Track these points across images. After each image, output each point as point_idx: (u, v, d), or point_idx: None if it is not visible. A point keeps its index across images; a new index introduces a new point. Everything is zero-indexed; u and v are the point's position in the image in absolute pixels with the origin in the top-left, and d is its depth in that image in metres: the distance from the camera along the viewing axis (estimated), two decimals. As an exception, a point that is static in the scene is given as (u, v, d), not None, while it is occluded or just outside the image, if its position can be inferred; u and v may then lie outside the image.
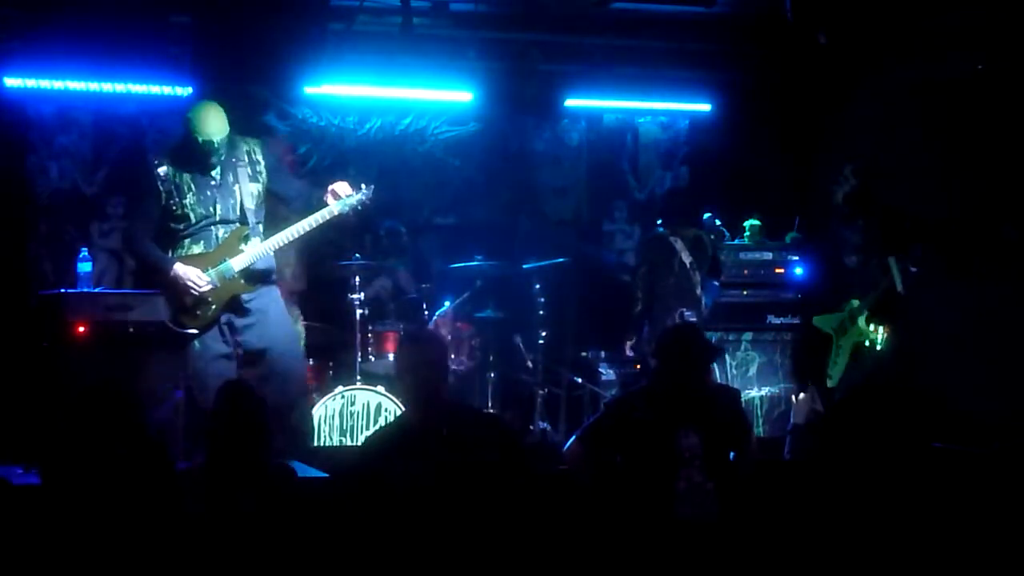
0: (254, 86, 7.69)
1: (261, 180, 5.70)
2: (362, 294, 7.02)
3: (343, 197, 5.66)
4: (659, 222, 7.28)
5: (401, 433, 4.13)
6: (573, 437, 4.75)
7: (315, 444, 6.60)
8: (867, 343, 6.52)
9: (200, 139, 5.49)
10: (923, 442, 5.25)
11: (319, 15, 6.98)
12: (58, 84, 7.37)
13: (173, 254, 5.58)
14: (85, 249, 6.94)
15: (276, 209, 5.84)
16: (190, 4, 7.16)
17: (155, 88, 7.54)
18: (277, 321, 5.77)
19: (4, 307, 7.27)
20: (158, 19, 7.31)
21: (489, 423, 4.63)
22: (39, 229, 7.75)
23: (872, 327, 6.45)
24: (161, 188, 5.56)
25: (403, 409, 4.59)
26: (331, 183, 5.76)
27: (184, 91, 7.45)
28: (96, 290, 6.83)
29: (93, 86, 7.44)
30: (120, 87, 7.49)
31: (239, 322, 5.66)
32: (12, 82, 7.30)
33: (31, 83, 7.33)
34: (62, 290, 6.53)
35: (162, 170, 5.58)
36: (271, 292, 5.77)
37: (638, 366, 7.44)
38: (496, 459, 4.02)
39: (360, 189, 5.71)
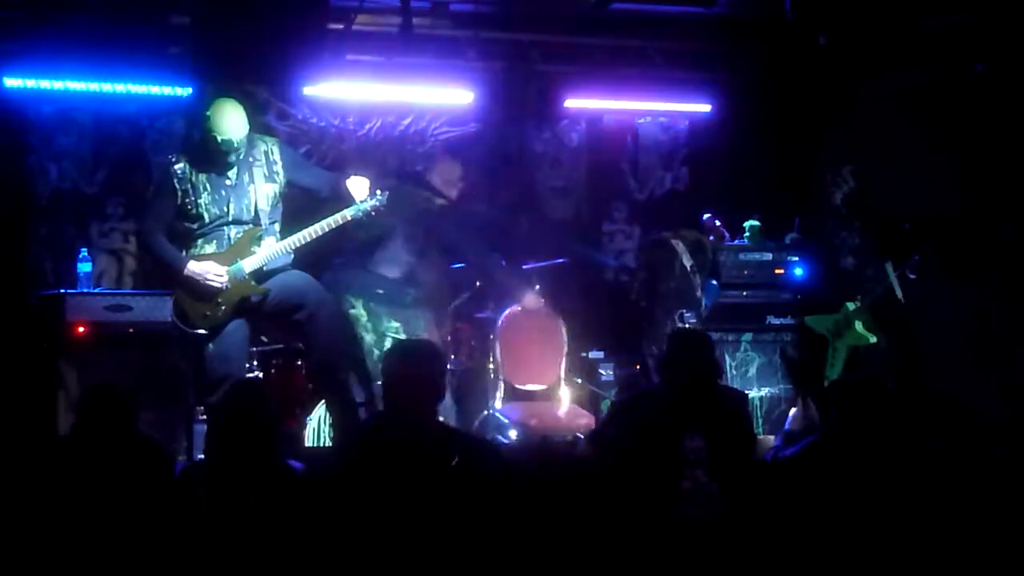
0: (254, 86, 7.69)
1: (278, 180, 5.69)
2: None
3: (357, 202, 5.67)
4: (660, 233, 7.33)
5: (374, 445, 3.69)
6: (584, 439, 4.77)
7: (312, 444, 6.62)
8: (864, 346, 6.51)
9: (219, 139, 5.48)
10: (924, 440, 5.27)
11: (319, 15, 6.97)
12: (58, 84, 7.36)
13: (187, 253, 5.58)
14: (85, 249, 6.95)
15: (305, 202, 5.84)
16: (190, 4, 7.16)
17: (155, 88, 7.54)
18: (298, 275, 5.75)
19: (4, 307, 7.26)
20: (158, 19, 7.31)
21: (486, 456, 3.89)
22: (39, 229, 7.74)
23: (869, 330, 6.45)
24: (177, 186, 5.56)
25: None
26: (353, 174, 5.78)
27: (184, 91, 7.46)
28: (96, 290, 6.84)
29: (93, 86, 7.43)
30: (120, 87, 7.48)
31: (262, 307, 5.64)
32: (12, 82, 7.30)
33: (31, 83, 7.33)
34: (62, 290, 6.54)
35: (179, 168, 5.57)
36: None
37: (638, 366, 7.44)
38: (479, 498, 3.58)
39: (375, 195, 5.71)
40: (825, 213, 6.92)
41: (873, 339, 6.43)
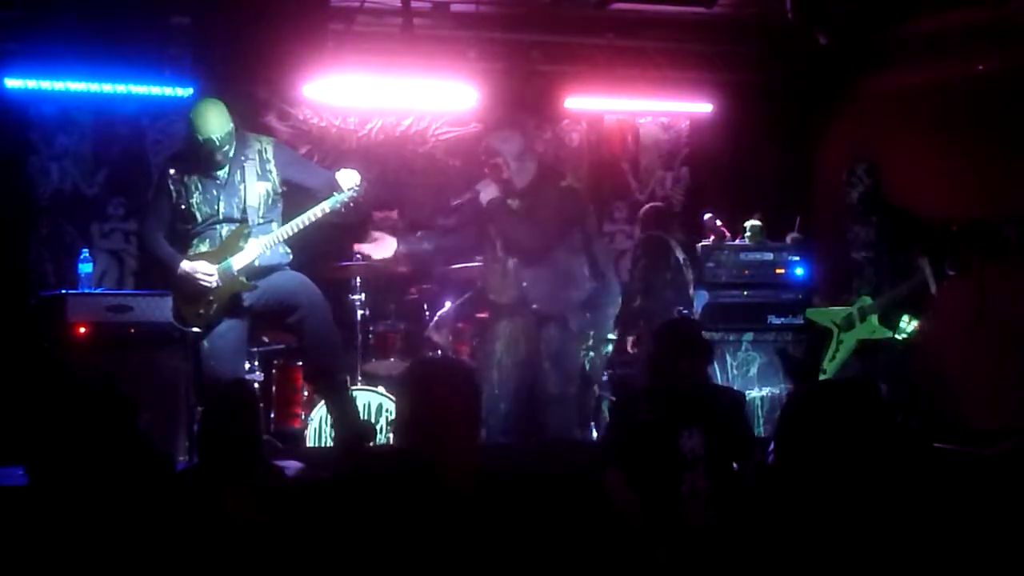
0: (254, 86, 7.69)
1: (271, 179, 5.69)
2: (363, 294, 7.03)
3: (334, 194, 5.67)
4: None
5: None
6: (605, 467, 4.63)
7: (314, 444, 6.62)
8: (879, 340, 6.47)
9: (201, 138, 5.50)
10: (924, 440, 5.26)
11: (319, 15, 6.97)
12: (59, 85, 7.36)
13: (185, 253, 5.60)
14: (86, 250, 6.95)
15: (303, 201, 5.84)
16: (190, 4, 7.16)
17: (155, 89, 7.53)
18: (291, 277, 5.75)
19: (4, 307, 7.27)
20: (158, 20, 7.31)
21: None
22: (40, 230, 7.74)
23: (895, 321, 6.39)
24: (172, 187, 5.59)
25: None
26: (343, 168, 5.79)
27: (184, 91, 7.45)
28: (97, 291, 6.84)
29: (94, 87, 7.43)
30: (120, 88, 7.48)
31: (254, 307, 5.65)
32: (13, 83, 7.29)
33: (32, 84, 7.33)
34: (63, 291, 6.54)
35: (171, 169, 5.61)
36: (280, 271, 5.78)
37: (633, 346, 7.40)
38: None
39: (353, 187, 5.72)
40: (833, 210, 6.92)
41: (891, 333, 6.39)
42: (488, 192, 6.22)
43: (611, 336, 6.93)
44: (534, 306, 6.28)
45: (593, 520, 4.60)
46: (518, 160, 6.31)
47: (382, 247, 6.61)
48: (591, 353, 6.67)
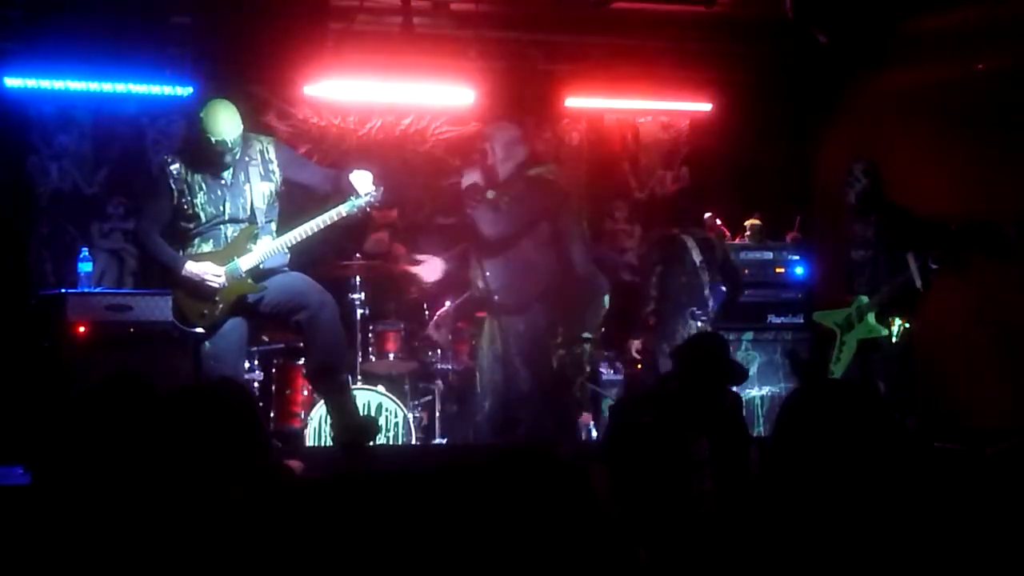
0: (254, 86, 7.69)
1: (274, 179, 5.69)
2: (362, 294, 7.04)
3: (350, 199, 5.66)
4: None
5: None
6: (591, 462, 4.64)
7: (314, 444, 6.62)
8: (877, 339, 6.47)
9: (213, 139, 5.48)
10: (924, 440, 5.26)
11: (319, 15, 6.98)
12: (58, 84, 7.36)
13: (183, 252, 5.58)
14: (86, 249, 6.95)
15: (306, 200, 5.83)
16: (190, 4, 7.16)
17: (155, 88, 7.53)
18: (296, 277, 5.74)
19: (4, 307, 7.27)
20: (158, 19, 7.31)
21: None
22: (40, 229, 7.75)
23: (887, 320, 6.38)
24: (173, 187, 5.56)
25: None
26: (355, 168, 5.78)
27: (184, 91, 7.46)
28: (96, 290, 6.85)
29: (93, 86, 7.43)
30: (120, 87, 7.48)
31: (259, 307, 5.64)
32: (12, 82, 7.30)
33: (31, 83, 7.33)
34: (63, 290, 6.55)
35: (174, 168, 5.57)
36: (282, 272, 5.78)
37: (639, 366, 7.41)
38: None
39: (370, 191, 5.72)
40: (831, 210, 6.91)
41: (885, 332, 6.39)
42: (469, 178, 6.32)
43: (587, 336, 6.93)
44: (495, 297, 6.34)
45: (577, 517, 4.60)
46: (505, 148, 6.38)
47: (430, 269, 6.73)
48: (560, 351, 6.67)
